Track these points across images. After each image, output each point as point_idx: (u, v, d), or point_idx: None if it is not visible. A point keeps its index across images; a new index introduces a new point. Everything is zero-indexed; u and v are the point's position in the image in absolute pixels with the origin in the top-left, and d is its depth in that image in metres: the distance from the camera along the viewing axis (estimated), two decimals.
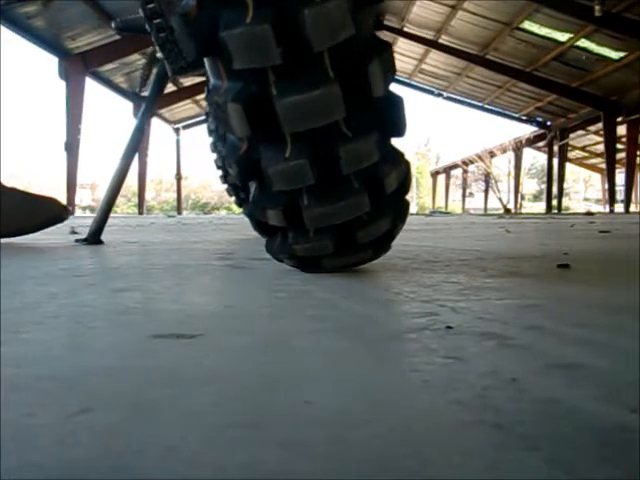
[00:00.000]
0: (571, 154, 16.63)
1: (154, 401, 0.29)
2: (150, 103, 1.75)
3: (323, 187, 0.75)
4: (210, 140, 2.22)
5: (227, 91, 0.71)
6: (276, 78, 0.68)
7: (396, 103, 0.76)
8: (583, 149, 16.90)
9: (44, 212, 1.60)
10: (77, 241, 1.61)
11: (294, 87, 0.68)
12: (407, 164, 0.83)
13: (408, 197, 0.88)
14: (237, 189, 2.14)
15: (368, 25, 0.73)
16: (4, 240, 1.63)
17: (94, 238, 1.59)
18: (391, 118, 0.76)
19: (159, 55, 1.03)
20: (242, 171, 0.76)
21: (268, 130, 0.70)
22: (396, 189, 0.81)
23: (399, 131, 0.78)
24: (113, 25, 1.55)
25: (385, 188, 0.78)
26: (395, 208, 0.84)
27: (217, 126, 1.99)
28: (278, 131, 0.70)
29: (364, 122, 0.73)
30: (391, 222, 0.82)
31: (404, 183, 0.83)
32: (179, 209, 14.82)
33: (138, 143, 1.71)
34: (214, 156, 2.24)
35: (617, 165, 12.03)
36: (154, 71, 1.76)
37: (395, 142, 0.82)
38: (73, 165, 8.87)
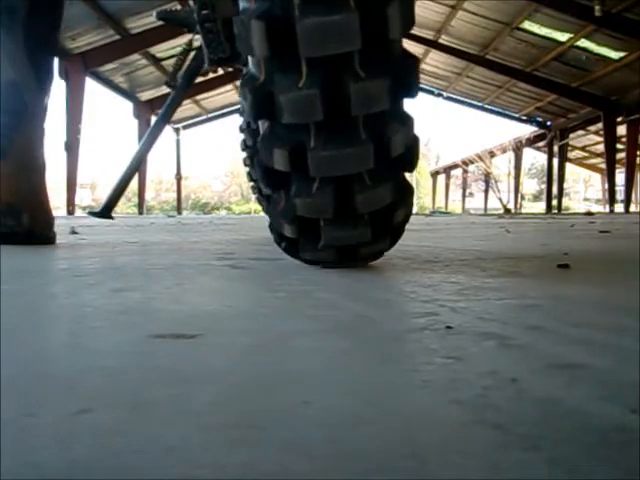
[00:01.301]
0: (571, 154, 16.63)
1: (154, 401, 0.29)
2: (178, 94, 1.80)
3: (331, 130, 0.76)
4: (241, 105, 2.26)
5: (254, 10, 0.74)
6: (300, 1, 0.71)
7: (411, 60, 0.78)
8: (583, 149, 16.90)
9: (43, 228, 1.60)
10: (90, 213, 1.63)
11: (315, 10, 0.71)
12: (416, 137, 0.83)
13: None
14: (252, 160, 2.18)
15: None
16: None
17: (106, 212, 1.62)
18: (404, 74, 0.77)
19: (197, 44, 1.06)
20: (256, 100, 0.78)
21: (285, 54, 0.73)
22: (401, 154, 0.81)
23: (411, 90, 0.79)
24: (154, 14, 1.66)
25: (391, 148, 0.79)
26: (397, 180, 0.84)
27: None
28: (295, 57, 0.73)
29: (377, 64, 0.75)
30: (392, 195, 0.82)
31: (411, 150, 0.83)
32: (179, 209, 14.82)
33: (160, 131, 1.73)
34: (241, 120, 2.28)
35: (617, 165, 12.03)
36: (186, 64, 1.82)
37: None
38: (73, 165, 8.87)
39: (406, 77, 0.78)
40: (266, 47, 0.73)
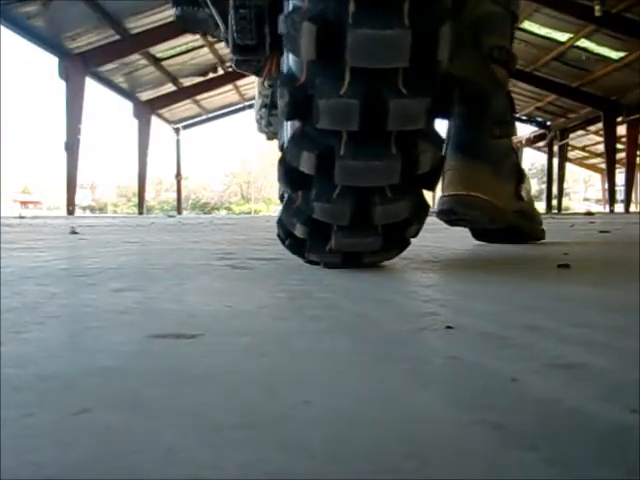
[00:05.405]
0: (571, 154, 16.63)
1: (154, 401, 0.29)
2: None
3: (362, 140, 0.75)
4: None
5: (307, 11, 0.72)
6: (355, 9, 0.70)
7: (451, 82, 0.77)
8: (583, 149, 16.90)
9: None
10: None
11: (369, 21, 0.70)
12: (442, 157, 0.83)
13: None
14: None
15: None
16: (4, 240, 1.63)
17: None
18: (444, 95, 0.76)
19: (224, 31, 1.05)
20: (294, 100, 0.77)
21: (331, 60, 0.72)
22: (425, 173, 0.80)
23: (446, 111, 0.78)
24: (173, 13, 1.65)
25: (418, 166, 0.78)
26: (417, 197, 0.83)
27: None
28: (340, 64, 0.72)
29: (420, 83, 0.74)
30: (409, 211, 0.82)
31: (435, 170, 0.82)
32: (179, 209, 14.82)
33: None
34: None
35: (617, 165, 12.03)
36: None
37: None
38: (73, 165, 8.86)
39: (445, 99, 0.77)
40: (314, 50, 0.72)
